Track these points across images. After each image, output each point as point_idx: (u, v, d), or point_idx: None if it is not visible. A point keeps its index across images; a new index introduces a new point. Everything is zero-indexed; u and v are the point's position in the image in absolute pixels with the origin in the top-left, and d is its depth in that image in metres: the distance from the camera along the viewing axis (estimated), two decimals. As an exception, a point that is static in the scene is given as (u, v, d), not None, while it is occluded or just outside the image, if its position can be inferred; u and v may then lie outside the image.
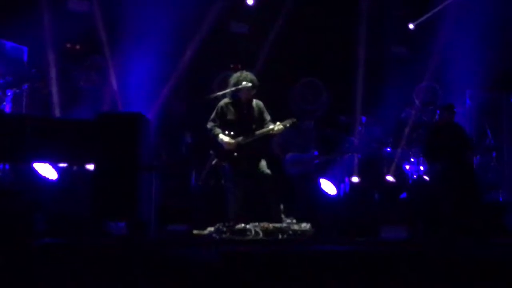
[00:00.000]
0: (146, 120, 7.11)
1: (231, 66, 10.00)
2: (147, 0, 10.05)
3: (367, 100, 10.93)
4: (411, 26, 12.01)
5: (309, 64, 11.39)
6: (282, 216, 8.02)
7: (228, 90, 8.09)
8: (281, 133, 8.11)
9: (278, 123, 8.03)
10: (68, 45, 10.33)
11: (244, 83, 8.05)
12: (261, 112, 8.17)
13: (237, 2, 11.07)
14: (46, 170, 8.12)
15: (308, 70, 11.41)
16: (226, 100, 8.17)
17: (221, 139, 7.99)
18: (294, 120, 8.13)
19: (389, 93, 10.94)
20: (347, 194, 10.10)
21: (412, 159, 10.33)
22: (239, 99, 8.14)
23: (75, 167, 8.20)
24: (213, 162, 8.18)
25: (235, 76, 8.14)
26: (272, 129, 8.01)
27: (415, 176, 10.17)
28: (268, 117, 8.17)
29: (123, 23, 10.08)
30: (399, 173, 10.20)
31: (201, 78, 10.40)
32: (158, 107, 9.96)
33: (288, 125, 8.04)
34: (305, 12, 11.17)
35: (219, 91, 8.20)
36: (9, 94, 8.89)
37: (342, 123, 10.76)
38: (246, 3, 11.09)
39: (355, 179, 10.17)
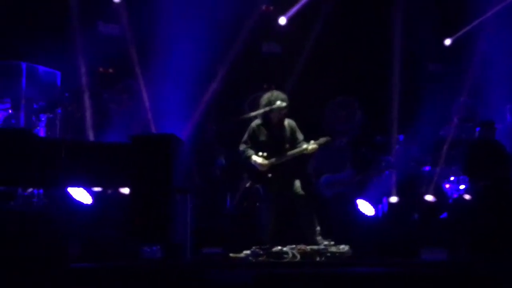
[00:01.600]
0: (179, 142, 7.17)
1: (264, 86, 10.03)
2: (178, 22, 10.15)
3: (404, 118, 10.86)
4: (447, 42, 11.94)
5: (343, 83, 11.37)
6: (319, 238, 8.00)
7: (260, 111, 8.13)
8: (315, 153, 8.10)
9: (311, 142, 8.03)
10: (101, 69, 10.48)
11: (278, 103, 8.08)
12: (293, 132, 8.18)
13: (269, 23, 11.13)
14: (80, 194, 8.20)
15: (342, 89, 11.39)
16: (257, 121, 8.21)
17: (254, 161, 8.02)
18: (328, 138, 8.13)
19: (427, 110, 10.84)
20: (386, 214, 10.01)
21: (452, 178, 10.19)
22: (271, 120, 8.17)
23: (109, 191, 8.27)
24: (247, 184, 8.21)
25: (266, 96, 8.18)
26: (306, 148, 8.02)
27: (455, 196, 10.04)
28: (301, 137, 8.18)
29: (154, 45, 10.21)
30: (439, 193, 10.08)
31: (234, 99, 10.45)
32: (190, 129, 10.02)
33: (321, 143, 8.04)
34: (338, 30, 11.19)
35: (252, 112, 8.24)
36: (43, 119, 9.02)
37: (378, 143, 10.69)
38: (278, 23, 11.15)
39: (393, 199, 10.09)
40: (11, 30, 9.72)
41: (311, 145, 8.01)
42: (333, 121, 11.24)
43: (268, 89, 8.64)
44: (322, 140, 8.09)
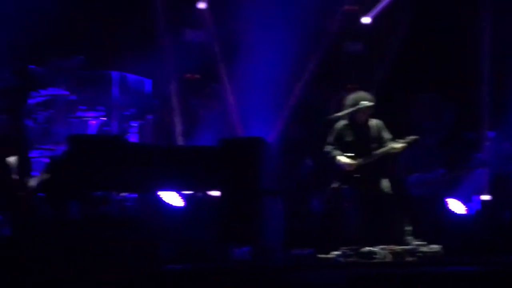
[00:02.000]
0: (267, 144, 7.24)
1: (348, 86, 9.98)
2: (262, 25, 10.23)
3: (496, 114, 10.57)
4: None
5: (430, 80, 11.18)
6: (410, 237, 7.90)
7: (347, 111, 8.10)
8: (403, 151, 8.01)
9: (398, 141, 7.95)
10: (188, 75, 10.68)
11: (362, 102, 8.04)
12: (380, 131, 8.12)
13: (353, 22, 11.07)
14: (172, 198, 8.39)
15: (429, 86, 11.19)
16: (343, 121, 8.19)
17: (341, 161, 8.00)
18: (416, 137, 8.02)
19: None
20: (478, 213, 9.78)
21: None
22: (357, 120, 8.14)
23: (199, 194, 8.42)
24: (334, 185, 8.19)
25: (351, 97, 8.16)
26: (392, 147, 7.94)
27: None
28: (388, 136, 8.11)
29: (239, 49, 10.32)
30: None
31: (319, 100, 10.44)
32: (277, 131, 10.08)
33: (409, 142, 7.95)
34: (422, 26, 11.01)
35: (337, 112, 8.23)
36: (134, 125, 9.29)
37: (469, 139, 10.45)
38: (362, 22, 11.08)
39: (485, 197, 9.84)
40: (101, 41, 10.04)
41: (398, 144, 7.93)
42: (421, 119, 11.07)
43: (353, 89, 8.59)
44: (409, 138, 7.99)
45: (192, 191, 8.26)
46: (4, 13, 9.20)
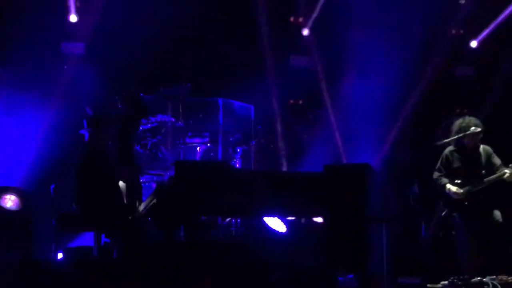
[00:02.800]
0: (373, 171, 7.16)
1: (457, 111, 9.77)
2: (365, 50, 10.19)
3: None
4: None
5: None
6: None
7: (455, 137, 7.92)
8: None
9: (510, 166, 7.70)
10: (291, 101, 10.74)
11: (472, 128, 7.85)
12: (489, 157, 7.92)
13: (461, 46, 10.86)
14: (275, 224, 8.41)
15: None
16: (450, 148, 8.03)
17: (449, 189, 7.84)
18: None
19: None
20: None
21: None
22: (464, 146, 7.95)
23: (303, 220, 8.40)
24: (443, 212, 8.01)
25: (458, 122, 8.00)
26: (505, 173, 7.69)
27: None
28: (498, 162, 7.89)
29: (342, 74, 10.30)
30: None
31: (426, 124, 10.27)
32: (383, 156, 9.96)
33: None
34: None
35: (445, 138, 8.05)
36: (238, 150, 9.40)
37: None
38: (470, 46, 10.86)
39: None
40: (208, 68, 10.25)
41: (510, 170, 7.67)
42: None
43: (461, 113, 8.40)
44: None
45: (296, 217, 8.25)
46: (116, 39, 9.54)
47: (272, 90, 10.31)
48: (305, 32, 10.90)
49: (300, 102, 10.90)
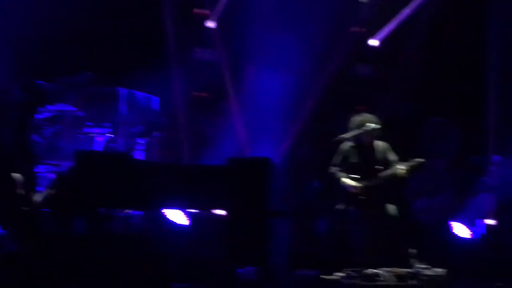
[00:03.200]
0: (274, 165, 7.23)
1: (356, 108, 10.00)
2: (270, 45, 10.28)
3: (501, 138, 10.56)
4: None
5: (438, 103, 11.19)
6: (413, 261, 7.87)
7: (353, 133, 8.11)
8: (409, 174, 7.99)
9: (404, 163, 7.95)
10: (195, 93, 10.70)
11: (368, 124, 8.06)
12: (386, 154, 8.14)
13: (361, 44, 11.10)
14: (177, 216, 8.37)
15: (437, 109, 11.20)
16: (348, 143, 8.21)
17: (346, 183, 8.00)
18: (422, 160, 8.03)
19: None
20: (483, 236, 9.75)
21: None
22: (363, 142, 8.14)
23: (205, 213, 8.40)
24: (340, 206, 8.19)
25: (358, 119, 8.18)
26: (398, 169, 7.94)
27: None
28: (394, 158, 8.12)
29: (247, 68, 10.35)
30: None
31: (327, 120, 10.46)
32: (284, 151, 10.07)
33: (414, 165, 7.95)
34: (431, 50, 11.04)
35: (343, 134, 8.23)
36: (141, 142, 9.29)
37: (474, 164, 10.44)
38: (370, 45, 11.10)
39: (491, 221, 9.81)
40: (110, 57, 10.07)
41: (404, 167, 7.93)
42: (429, 142, 11.07)
43: (360, 110, 8.61)
44: (415, 161, 8.00)
45: (197, 209, 8.25)
46: (14, 27, 9.24)
47: (176, 82, 10.24)
48: (210, 24, 10.85)
49: (204, 94, 10.87)
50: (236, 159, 7.40)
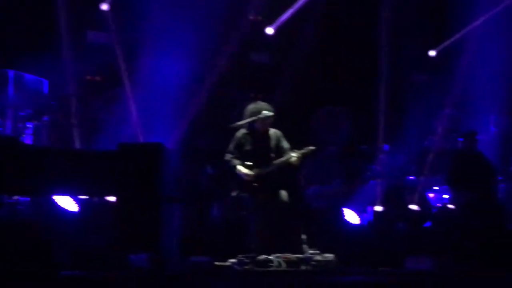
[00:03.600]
0: (167, 151, 7.17)
1: (251, 95, 10.07)
2: (166, 30, 10.17)
3: (389, 128, 10.92)
4: (432, 53, 12.03)
5: (330, 93, 11.43)
6: (305, 246, 8.02)
7: (247, 120, 8.15)
8: (301, 162, 8.12)
9: (296, 151, 8.07)
10: (88, 77, 10.47)
11: (263, 112, 8.12)
12: (279, 141, 8.24)
13: (258, 32, 11.16)
14: (66, 202, 8.17)
15: (329, 99, 11.44)
16: (243, 130, 8.25)
17: (240, 171, 8.05)
18: (312, 148, 8.18)
19: (412, 121, 10.93)
20: (371, 223, 10.04)
21: (435, 187, 10.27)
22: (256, 129, 8.21)
23: (96, 199, 8.24)
24: (233, 193, 8.22)
25: (251, 106, 8.23)
26: (291, 157, 8.05)
27: (439, 205, 10.10)
28: (286, 146, 8.22)
29: (142, 53, 10.21)
30: (423, 202, 10.14)
31: (222, 107, 10.46)
32: (178, 138, 10.01)
33: (306, 153, 8.10)
34: (325, 41, 11.25)
35: (238, 121, 8.27)
36: (29, 126, 9.00)
37: (364, 152, 10.74)
38: (266, 32, 11.17)
39: (378, 208, 10.12)
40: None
41: (296, 154, 8.05)
42: (321, 130, 11.28)
43: (255, 98, 8.67)
44: (306, 149, 8.14)
45: (88, 196, 8.08)
46: None
47: (67, 65, 9.94)
48: (104, 7, 10.61)
49: (98, 78, 10.64)
50: (128, 145, 7.26)
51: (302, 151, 8.12)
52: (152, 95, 9.97)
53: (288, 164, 8.12)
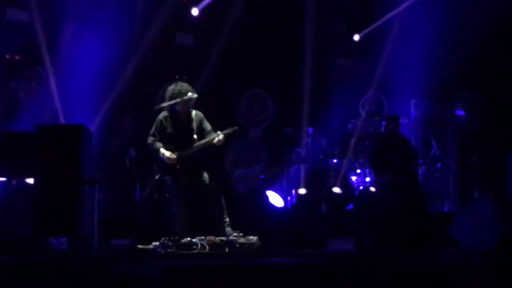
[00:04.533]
0: (88, 132, 7.03)
1: (176, 77, 9.95)
2: (88, 10, 9.95)
3: (314, 111, 11.01)
4: (356, 37, 12.17)
5: (255, 76, 11.43)
6: (229, 229, 8.03)
7: (169, 103, 8.05)
8: (223, 143, 8.08)
9: (218, 132, 8.03)
10: (7, 56, 10.15)
11: (188, 94, 8.04)
12: (201, 123, 8.19)
13: (182, 13, 11.03)
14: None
15: (255, 81, 11.44)
16: (164, 113, 8.17)
17: (163, 154, 7.98)
18: (235, 128, 8.20)
19: (336, 104, 11.05)
20: (294, 206, 10.13)
21: (358, 170, 10.44)
22: (178, 112, 8.13)
23: (14, 181, 8.02)
24: (157, 175, 8.14)
25: (171, 88, 8.14)
26: (212, 139, 8.01)
27: (361, 187, 10.27)
28: (208, 127, 8.19)
29: (63, 33, 9.96)
30: (346, 185, 10.29)
31: (146, 90, 10.32)
32: (101, 119, 9.84)
33: (228, 133, 8.10)
34: (251, 23, 11.22)
35: (160, 104, 8.16)
36: None
37: (289, 135, 10.80)
38: (191, 14, 11.05)
39: (302, 190, 10.21)
40: None
41: (218, 136, 8.01)
42: (247, 113, 11.28)
43: (180, 80, 8.56)
44: (228, 130, 8.13)
45: (5, 177, 7.86)
46: None
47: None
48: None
49: (17, 57, 10.33)
50: (47, 126, 7.08)
51: (225, 131, 8.10)
52: (74, 76, 9.76)
53: (211, 145, 8.08)
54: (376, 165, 9.94)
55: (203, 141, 8.08)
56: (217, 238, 7.79)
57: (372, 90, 11.39)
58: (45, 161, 6.54)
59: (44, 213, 6.53)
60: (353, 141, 10.58)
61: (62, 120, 9.46)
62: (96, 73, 9.52)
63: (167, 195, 8.50)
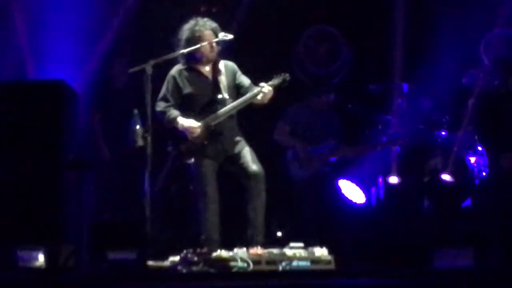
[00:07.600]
0: (71, 92, 7.14)
1: (202, 9, 10.05)
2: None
3: (410, 60, 10.97)
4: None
5: (321, 7, 11.42)
6: (260, 237, 8.07)
7: (184, 50, 8.08)
8: (270, 100, 8.11)
9: (262, 84, 8.04)
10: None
11: (221, 34, 8.07)
12: (234, 77, 8.26)
13: None
14: None
15: (320, 15, 11.44)
16: (178, 66, 8.26)
17: (181, 124, 8.04)
18: (286, 76, 8.21)
19: (443, 48, 10.97)
20: (382, 202, 10.14)
21: (479, 148, 10.34)
22: (199, 62, 8.18)
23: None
24: (174, 158, 8.22)
25: (188, 27, 8.18)
26: (255, 94, 8.02)
27: (484, 174, 10.19)
28: (246, 81, 8.29)
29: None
30: (461, 170, 10.23)
31: (152, 31, 10.46)
32: (90, 73, 10.00)
33: (276, 84, 8.13)
34: None
35: (175, 51, 8.19)
36: None
37: (373, 94, 10.77)
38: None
39: (393, 179, 10.21)
40: None
41: (263, 89, 8.01)
42: (308, 62, 11.29)
43: (207, 13, 8.63)
44: (276, 79, 8.15)
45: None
46: None
47: None
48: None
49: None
50: (12, 83, 7.24)
51: (272, 81, 8.12)
52: (50, 14, 10.10)
53: (252, 104, 8.11)
54: (489, 140, 9.81)
55: (240, 100, 8.11)
56: (265, 250, 7.82)
57: (499, 26, 11.28)
58: (6, 136, 6.66)
59: (8, 214, 6.67)
60: (470, 102, 10.49)
61: (32, 74, 9.66)
62: (81, 6, 9.71)
63: (190, 187, 8.57)
